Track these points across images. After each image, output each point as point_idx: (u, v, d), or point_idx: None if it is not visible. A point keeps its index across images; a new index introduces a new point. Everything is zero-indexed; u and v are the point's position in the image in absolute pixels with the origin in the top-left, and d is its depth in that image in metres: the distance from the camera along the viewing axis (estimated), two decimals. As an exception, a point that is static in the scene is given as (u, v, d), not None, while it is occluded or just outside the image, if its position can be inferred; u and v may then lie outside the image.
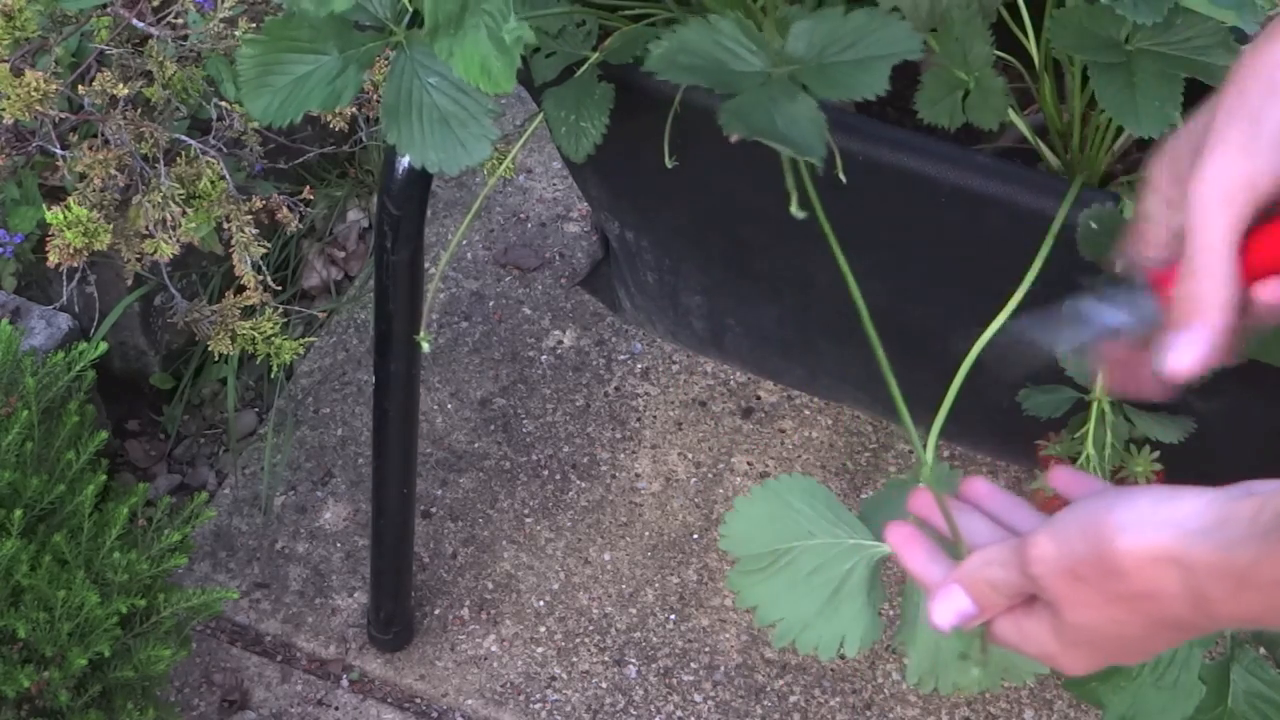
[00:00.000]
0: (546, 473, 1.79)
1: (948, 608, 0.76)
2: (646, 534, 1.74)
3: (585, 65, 1.05)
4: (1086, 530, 0.67)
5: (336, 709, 1.63)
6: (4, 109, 1.38)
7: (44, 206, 1.45)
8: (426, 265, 1.64)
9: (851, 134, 1.05)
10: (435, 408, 1.84)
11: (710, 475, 1.79)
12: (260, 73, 0.96)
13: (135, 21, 1.50)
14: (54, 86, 1.39)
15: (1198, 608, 0.65)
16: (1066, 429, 1.07)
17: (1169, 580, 0.65)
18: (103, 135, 1.49)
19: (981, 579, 0.74)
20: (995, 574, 0.73)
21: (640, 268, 1.32)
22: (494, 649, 1.67)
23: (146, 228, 1.49)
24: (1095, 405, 1.05)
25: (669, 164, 1.08)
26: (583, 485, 1.78)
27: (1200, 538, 0.63)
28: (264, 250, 1.52)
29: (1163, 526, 0.65)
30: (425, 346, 1.24)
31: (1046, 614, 0.72)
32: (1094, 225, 0.96)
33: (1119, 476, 1.05)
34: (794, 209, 0.92)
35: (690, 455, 1.80)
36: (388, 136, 0.96)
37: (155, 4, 1.56)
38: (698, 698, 1.63)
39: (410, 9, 0.97)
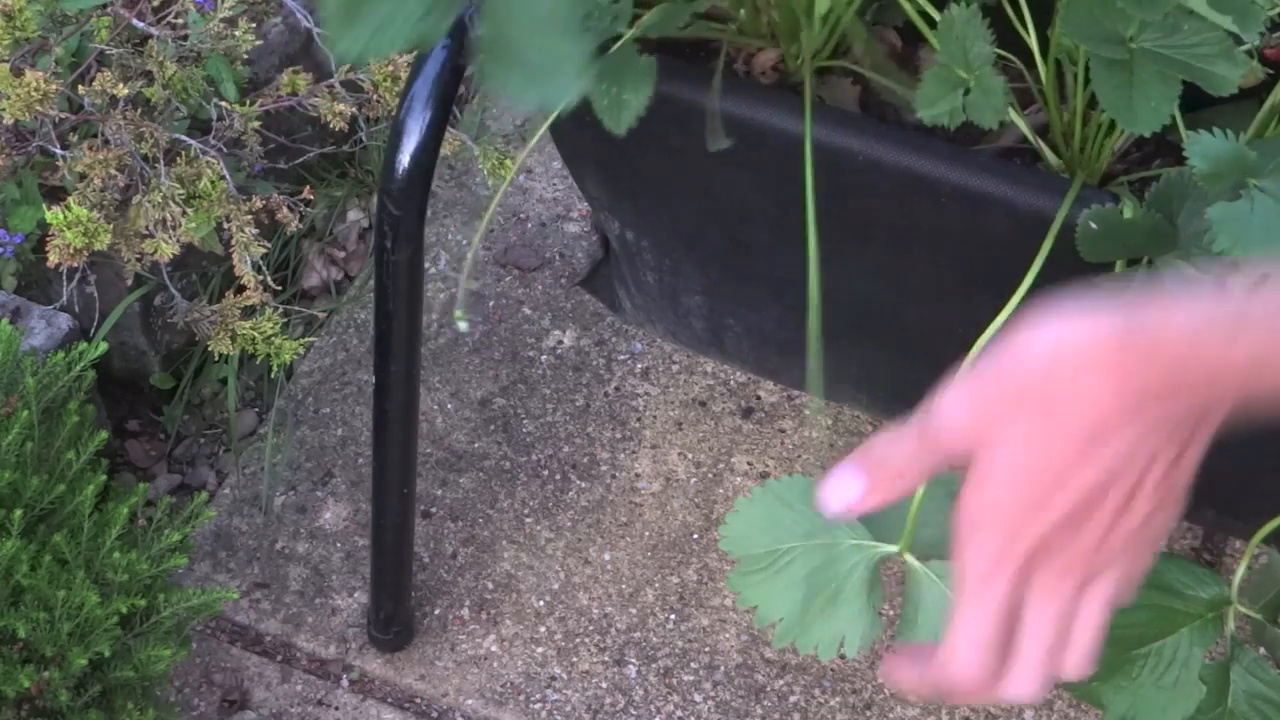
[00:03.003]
0: (546, 473, 1.79)
1: (837, 488, 0.70)
2: (646, 534, 1.74)
3: (622, 40, 1.04)
4: (997, 357, 0.63)
5: (336, 709, 1.63)
6: (4, 109, 1.38)
7: (44, 206, 1.45)
8: (426, 265, 1.64)
9: (851, 132, 1.05)
10: (435, 408, 1.84)
11: (710, 475, 1.79)
12: (347, 11, 0.95)
13: (135, 21, 1.50)
14: (54, 86, 1.39)
15: (1195, 360, 0.61)
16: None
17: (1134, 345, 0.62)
18: (103, 135, 1.49)
19: (876, 454, 0.70)
20: (889, 447, 0.69)
21: (640, 268, 1.32)
22: (494, 649, 1.67)
23: (146, 228, 1.49)
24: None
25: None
26: (583, 485, 1.78)
27: (1168, 308, 0.61)
28: (264, 250, 1.52)
29: (1095, 309, 0.62)
30: (463, 326, 1.21)
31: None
32: (1094, 225, 0.96)
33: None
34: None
35: (690, 455, 1.80)
36: (482, 77, 0.94)
37: (155, 4, 1.56)
38: (698, 698, 1.63)
39: None
